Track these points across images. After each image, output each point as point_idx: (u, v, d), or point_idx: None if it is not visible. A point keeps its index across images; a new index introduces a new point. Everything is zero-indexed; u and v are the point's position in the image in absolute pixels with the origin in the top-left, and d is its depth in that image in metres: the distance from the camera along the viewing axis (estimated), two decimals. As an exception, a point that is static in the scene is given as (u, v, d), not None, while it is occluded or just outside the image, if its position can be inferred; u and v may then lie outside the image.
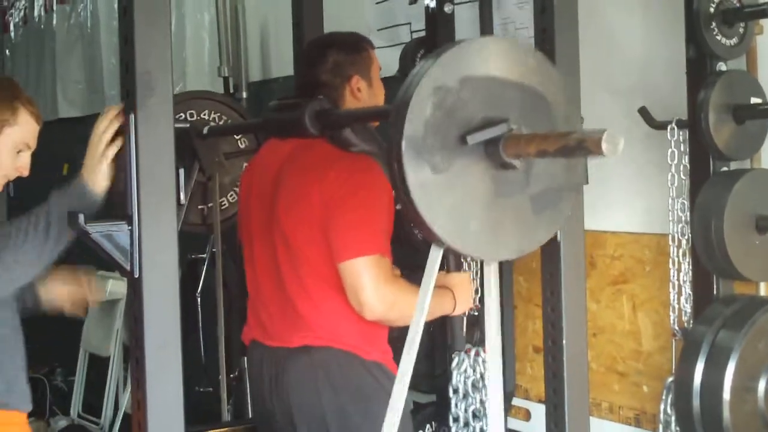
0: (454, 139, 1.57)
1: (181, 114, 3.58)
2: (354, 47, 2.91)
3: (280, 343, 2.84)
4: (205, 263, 4.15)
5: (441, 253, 1.66)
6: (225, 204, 3.83)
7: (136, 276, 1.71)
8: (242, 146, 3.83)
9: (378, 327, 2.80)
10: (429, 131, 1.54)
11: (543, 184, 1.68)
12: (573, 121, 1.74)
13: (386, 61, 3.69)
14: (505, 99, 1.62)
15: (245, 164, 3.71)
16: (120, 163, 1.69)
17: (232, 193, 3.82)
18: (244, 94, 5.02)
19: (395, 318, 2.65)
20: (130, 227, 1.71)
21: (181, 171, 1.70)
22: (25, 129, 2.61)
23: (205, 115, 3.73)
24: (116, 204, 1.72)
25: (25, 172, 2.61)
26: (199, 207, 3.74)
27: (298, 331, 2.78)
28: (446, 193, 1.57)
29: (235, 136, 3.84)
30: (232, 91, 5.02)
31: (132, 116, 1.68)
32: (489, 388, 1.76)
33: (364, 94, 2.86)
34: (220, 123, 3.75)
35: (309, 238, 2.72)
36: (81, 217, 1.72)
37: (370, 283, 2.61)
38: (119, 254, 1.72)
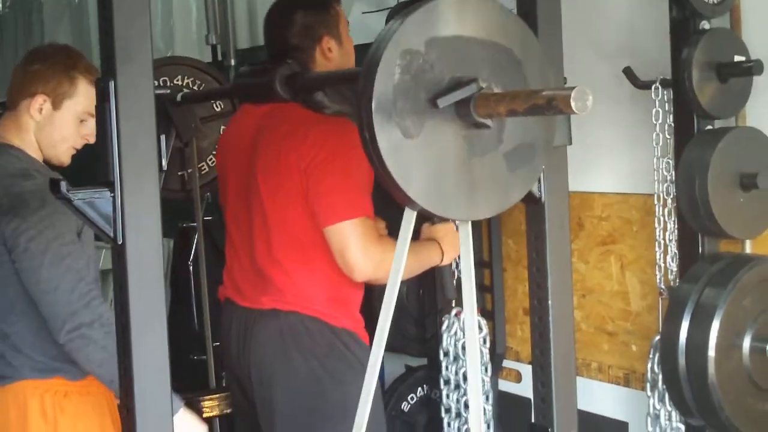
0: (424, 102, 1.56)
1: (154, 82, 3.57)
2: (321, 6, 2.87)
3: (250, 304, 2.87)
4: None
5: (414, 215, 1.67)
6: (205, 168, 3.84)
7: (120, 243, 1.71)
8: (218, 109, 3.83)
9: (349, 295, 2.83)
10: (398, 96, 1.53)
11: (516, 141, 1.68)
12: (549, 78, 1.74)
13: (373, 25, 3.69)
14: (474, 58, 1.62)
15: (222, 127, 3.72)
16: (101, 129, 1.69)
17: (211, 156, 3.83)
18: (233, 62, 5.00)
19: (383, 276, 2.67)
20: (112, 194, 1.71)
21: (163, 137, 1.70)
22: (85, 99, 2.63)
23: (178, 81, 3.72)
24: (98, 170, 1.72)
25: (92, 140, 2.63)
26: (179, 173, 3.75)
27: (268, 294, 2.81)
28: (419, 157, 1.57)
29: (209, 100, 3.84)
30: (220, 58, 5.01)
31: (112, 82, 1.68)
32: (467, 348, 1.77)
33: (335, 53, 2.84)
34: (194, 88, 3.74)
35: (287, 204, 2.74)
36: (63, 185, 1.72)
37: (356, 244, 2.64)
38: (102, 221, 1.72)
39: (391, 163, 1.54)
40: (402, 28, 1.54)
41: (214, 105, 3.86)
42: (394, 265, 1.69)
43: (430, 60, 1.57)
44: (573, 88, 1.41)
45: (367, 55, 1.55)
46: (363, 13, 4.18)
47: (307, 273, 2.78)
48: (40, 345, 2.57)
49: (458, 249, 3.00)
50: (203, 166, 3.85)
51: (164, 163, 1.71)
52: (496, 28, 1.65)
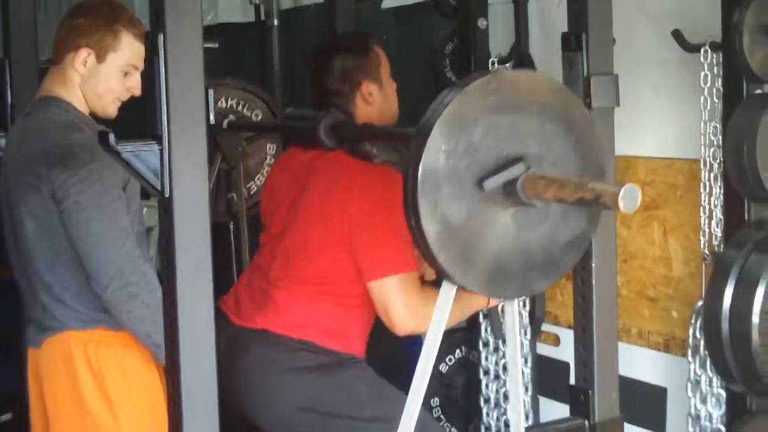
0: (471, 184, 1.55)
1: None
2: (360, 50, 2.85)
3: (242, 321, 2.87)
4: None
5: (454, 289, 1.66)
6: (253, 188, 3.85)
7: (167, 195, 1.72)
8: None
9: (349, 334, 2.84)
10: (444, 182, 1.52)
11: (564, 212, 1.66)
12: (601, 146, 1.72)
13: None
14: (520, 134, 1.59)
15: (268, 144, 3.73)
16: (150, 83, 1.69)
17: (259, 175, 3.84)
18: (275, 22, 4.98)
19: (426, 330, 2.69)
20: (160, 147, 1.71)
21: (211, 91, 1.69)
22: (129, 52, 2.66)
23: (222, 103, 3.71)
24: (147, 123, 1.73)
25: (137, 92, 2.66)
26: (226, 196, 3.75)
27: (263, 314, 2.81)
28: (466, 241, 1.56)
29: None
30: (263, 18, 4.99)
31: (161, 36, 1.68)
32: (506, 311, 1.76)
33: (376, 97, 2.83)
34: (238, 109, 3.74)
35: (324, 248, 2.75)
36: (112, 137, 1.73)
37: (399, 301, 2.67)
38: (150, 174, 1.73)
39: (437, 249, 1.53)
40: (444, 116, 1.52)
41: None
42: (429, 335, 1.69)
43: (477, 140, 1.54)
44: (621, 186, 1.41)
45: (413, 139, 1.53)
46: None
47: (312, 305, 2.80)
48: (83, 296, 2.59)
49: None
50: (251, 186, 3.87)
51: (212, 117, 1.69)
52: (544, 100, 1.63)
